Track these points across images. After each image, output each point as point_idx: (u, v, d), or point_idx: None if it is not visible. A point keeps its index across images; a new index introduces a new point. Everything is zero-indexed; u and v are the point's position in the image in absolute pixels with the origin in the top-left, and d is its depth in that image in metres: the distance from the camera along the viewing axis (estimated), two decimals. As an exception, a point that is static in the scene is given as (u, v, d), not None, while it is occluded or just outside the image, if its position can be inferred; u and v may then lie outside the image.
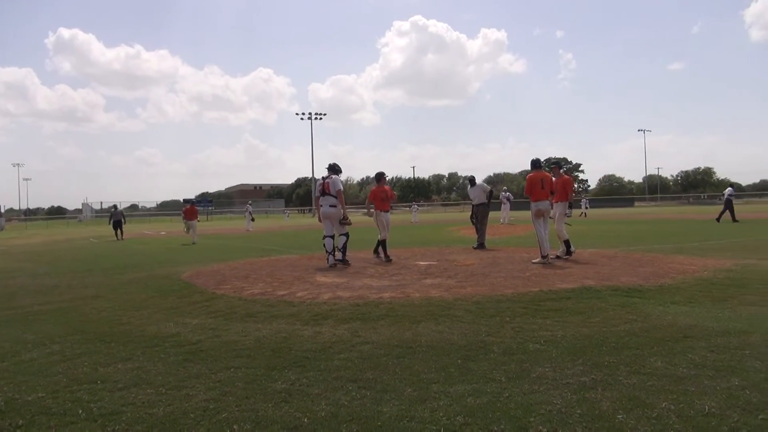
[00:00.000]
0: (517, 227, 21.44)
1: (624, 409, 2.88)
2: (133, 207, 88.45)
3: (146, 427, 2.89)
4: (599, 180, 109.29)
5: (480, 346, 4.19)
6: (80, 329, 5.42)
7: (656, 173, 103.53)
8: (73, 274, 10.51)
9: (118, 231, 24.07)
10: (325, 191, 9.81)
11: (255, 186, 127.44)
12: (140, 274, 9.93)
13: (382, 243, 10.45)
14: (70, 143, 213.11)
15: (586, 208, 38.27)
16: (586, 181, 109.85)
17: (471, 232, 14.66)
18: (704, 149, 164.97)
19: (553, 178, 9.83)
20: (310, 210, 72.74)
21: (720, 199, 29.92)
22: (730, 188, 22.67)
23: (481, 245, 12.39)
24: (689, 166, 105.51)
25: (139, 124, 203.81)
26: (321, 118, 74.19)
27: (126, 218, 26.48)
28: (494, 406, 2.98)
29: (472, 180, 13.62)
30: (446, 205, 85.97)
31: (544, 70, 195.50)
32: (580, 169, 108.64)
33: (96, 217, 68.90)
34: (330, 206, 9.80)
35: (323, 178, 10.01)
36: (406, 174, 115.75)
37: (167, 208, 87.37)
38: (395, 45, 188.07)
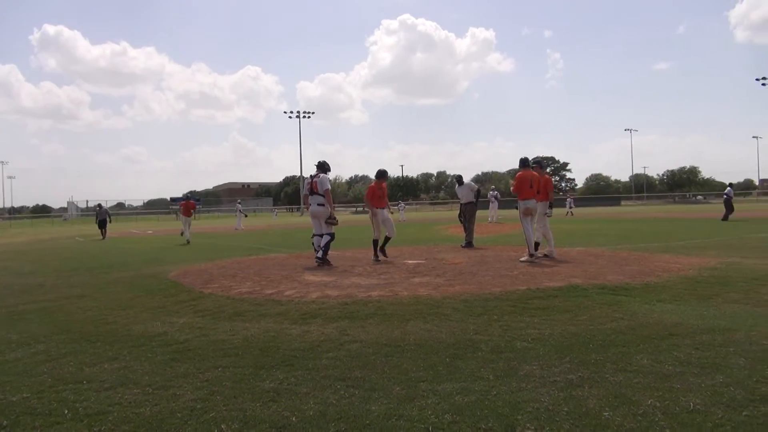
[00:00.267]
0: (505, 226, 21.52)
1: (610, 406, 2.91)
2: (120, 205, 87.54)
3: (133, 427, 2.86)
4: (586, 179, 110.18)
5: (468, 345, 4.20)
6: (66, 329, 5.37)
7: (642, 172, 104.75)
8: (58, 273, 10.39)
9: (103, 230, 23.92)
10: (313, 190, 9.77)
11: (243, 184, 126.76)
12: (127, 273, 9.85)
13: (374, 242, 10.34)
14: (55, 141, 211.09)
15: (571, 207, 38.46)
16: (573, 180, 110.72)
17: (459, 231, 14.70)
18: (690, 149, 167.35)
19: None
20: (298, 209, 72.59)
21: (705, 198, 30.25)
22: (729, 188, 22.68)
23: (469, 244, 12.42)
24: (675, 166, 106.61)
25: (126, 122, 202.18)
26: (309, 117, 74.27)
27: (111, 217, 26.23)
28: (482, 404, 2.99)
29: (459, 179, 13.65)
30: (434, 203, 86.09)
31: (532, 70, 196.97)
32: (567, 168, 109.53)
33: (82, 215, 68.19)
34: (318, 205, 9.74)
35: (311, 176, 9.95)
36: (395, 173, 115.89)
37: (154, 206, 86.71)
38: (384, 43, 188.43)
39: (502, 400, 3.04)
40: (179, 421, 2.92)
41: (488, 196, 27.63)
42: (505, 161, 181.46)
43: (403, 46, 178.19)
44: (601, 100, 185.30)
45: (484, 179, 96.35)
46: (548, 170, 10.71)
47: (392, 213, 11.68)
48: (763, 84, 62.60)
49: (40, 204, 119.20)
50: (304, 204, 12.30)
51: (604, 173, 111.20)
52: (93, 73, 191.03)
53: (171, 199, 71.60)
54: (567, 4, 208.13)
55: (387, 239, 10.43)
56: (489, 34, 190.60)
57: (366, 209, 10.81)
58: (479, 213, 13.94)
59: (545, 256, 9.62)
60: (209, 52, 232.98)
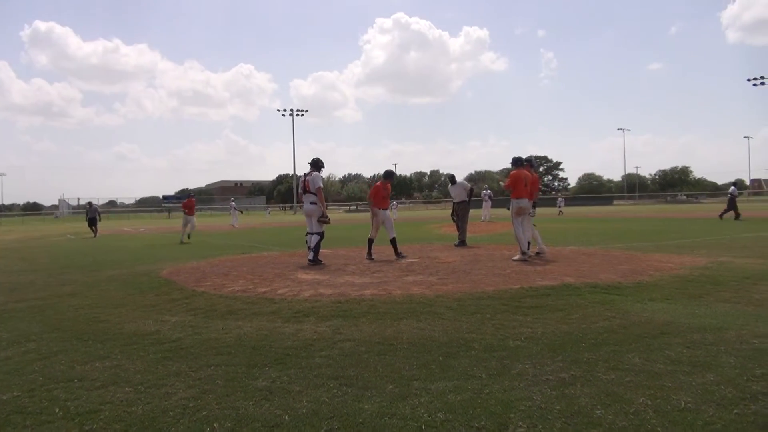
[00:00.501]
0: (498, 225, 21.57)
1: (602, 404, 2.92)
2: (112, 203, 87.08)
3: (125, 426, 2.85)
4: (579, 179, 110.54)
5: (461, 343, 4.21)
6: (57, 327, 5.33)
7: (635, 172, 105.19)
8: (49, 271, 10.32)
9: (93, 228, 23.76)
10: (306, 188, 9.75)
11: (236, 182, 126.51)
12: (118, 271, 9.79)
13: (370, 241, 10.30)
14: (46, 138, 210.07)
15: (561, 206, 38.58)
16: (566, 179, 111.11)
17: (452, 230, 14.72)
18: (682, 148, 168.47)
19: None
20: (291, 207, 72.45)
21: (697, 198, 30.37)
22: (733, 187, 22.45)
23: (462, 243, 12.45)
24: (667, 165, 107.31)
25: (118, 119, 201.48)
26: (303, 115, 73.91)
27: (101, 215, 26.05)
28: (475, 403, 3.00)
29: (452, 178, 13.66)
30: (428, 202, 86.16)
31: (525, 69, 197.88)
32: (560, 167, 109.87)
33: (73, 213, 67.84)
34: (311, 203, 9.73)
35: (305, 174, 9.94)
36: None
37: (146, 204, 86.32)
38: (377, 42, 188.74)
39: (494, 399, 3.04)
40: (171, 419, 2.91)
41: (482, 195, 27.66)
42: (499, 160, 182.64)
43: (396, 45, 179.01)
44: (595, 99, 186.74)
45: (477, 178, 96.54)
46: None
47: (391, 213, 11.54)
48: (755, 84, 63.01)
49: (31, 202, 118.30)
50: (299, 202, 12.24)
51: (597, 173, 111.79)
52: (84, 70, 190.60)
53: (163, 197, 71.29)
54: (560, 3, 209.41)
55: (394, 242, 10.20)
56: (483, 33, 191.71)
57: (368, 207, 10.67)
58: (472, 212, 13.96)
59: (537, 254, 9.66)
60: (202, 49, 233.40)
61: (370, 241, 10.34)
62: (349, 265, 9.31)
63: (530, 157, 10.53)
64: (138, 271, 9.57)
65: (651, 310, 5.14)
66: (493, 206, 27.58)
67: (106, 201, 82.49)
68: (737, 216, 20.96)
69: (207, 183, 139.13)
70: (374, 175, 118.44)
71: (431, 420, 2.80)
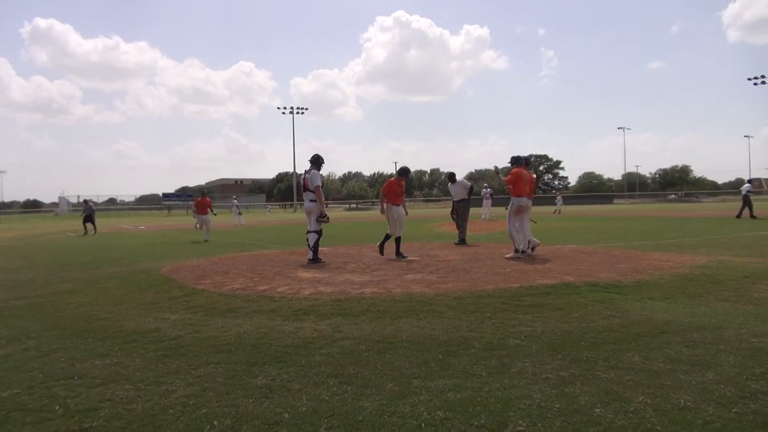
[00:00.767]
0: (498, 223, 21.55)
1: (602, 403, 2.92)
2: (111, 201, 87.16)
3: (124, 423, 2.85)
4: (579, 177, 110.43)
5: (461, 342, 4.21)
6: (57, 324, 5.33)
7: (635, 171, 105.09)
8: (49, 268, 10.32)
9: (88, 225, 23.61)
10: (305, 186, 9.74)
11: (236, 180, 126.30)
12: (118, 268, 9.79)
13: (391, 238, 10.18)
14: (46, 135, 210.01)
15: (559, 206, 38.51)
16: (566, 178, 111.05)
17: (452, 228, 14.71)
18: (682, 147, 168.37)
19: None
20: (291, 205, 72.44)
21: (697, 197, 30.27)
22: (747, 184, 21.66)
23: (462, 241, 12.45)
24: (667, 164, 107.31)
25: (118, 117, 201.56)
26: (303, 113, 73.80)
27: (95, 213, 25.88)
28: (475, 401, 3.00)
29: (452, 176, 13.63)
30: (428, 201, 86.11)
31: (526, 68, 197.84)
32: (560, 166, 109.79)
33: (73, 210, 67.81)
34: (311, 201, 9.72)
35: (305, 171, 9.93)
36: (389, 169, 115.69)
37: (146, 202, 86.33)
38: (378, 40, 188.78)
39: (494, 397, 3.05)
40: (171, 417, 2.91)
41: (482, 193, 27.64)
42: (499, 159, 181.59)
43: (397, 43, 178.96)
44: (595, 98, 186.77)
45: (477, 177, 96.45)
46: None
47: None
48: (755, 84, 62.98)
49: (31, 199, 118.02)
50: (299, 200, 12.20)
51: (597, 171, 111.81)
52: (84, 67, 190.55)
53: (163, 194, 71.17)
54: (561, 2, 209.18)
55: (398, 241, 10.13)
56: (483, 31, 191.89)
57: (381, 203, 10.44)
58: (472, 210, 13.95)
59: (532, 250, 9.64)
60: (202, 47, 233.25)
61: (387, 237, 10.24)
62: (349, 263, 9.30)
63: (528, 156, 10.53)
64: (138, 269, 9.57)
65: (651, 309, 5.14)
66: (493, 204, 27.55)
67: (106, 198, 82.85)
68: (751, 214, 20.15)
69: (207, 181, 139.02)
70: (373, 174, 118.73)
71: (431, 418, 2.80)
